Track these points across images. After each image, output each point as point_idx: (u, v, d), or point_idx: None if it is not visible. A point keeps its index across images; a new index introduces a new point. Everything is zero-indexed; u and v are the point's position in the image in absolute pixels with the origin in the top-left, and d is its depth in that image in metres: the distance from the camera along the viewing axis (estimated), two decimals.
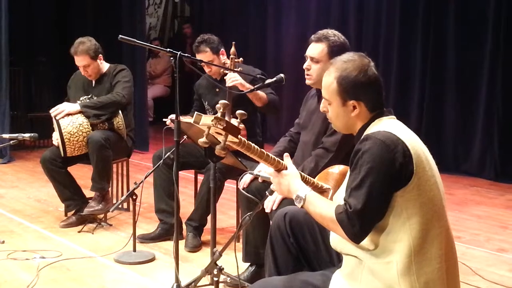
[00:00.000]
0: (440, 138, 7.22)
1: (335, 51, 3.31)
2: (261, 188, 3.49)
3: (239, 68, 4.16)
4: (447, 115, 7.19)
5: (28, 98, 9.04)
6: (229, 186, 4.39)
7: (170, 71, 10.66)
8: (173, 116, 4.00)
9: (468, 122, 7.02)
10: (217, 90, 4.56)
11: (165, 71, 10.89)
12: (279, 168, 2.34)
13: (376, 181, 2.05)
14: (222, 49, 4.53)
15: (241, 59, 4.20)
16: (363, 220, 2.06)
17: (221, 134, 2.17)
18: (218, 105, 2.24)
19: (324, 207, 2.18)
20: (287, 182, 2.31)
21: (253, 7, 9.52)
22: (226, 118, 2.21)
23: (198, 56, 4.47)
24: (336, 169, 2.67)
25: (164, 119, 4.25)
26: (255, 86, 3.92)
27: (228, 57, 4.35)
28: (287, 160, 2.37)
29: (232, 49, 4.16)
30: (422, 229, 2.07)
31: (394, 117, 2.28)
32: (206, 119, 2.19)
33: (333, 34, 3.41)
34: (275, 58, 9.07)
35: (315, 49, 3.39)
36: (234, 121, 2.25)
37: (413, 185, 2.07)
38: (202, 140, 2.21)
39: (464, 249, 4.37)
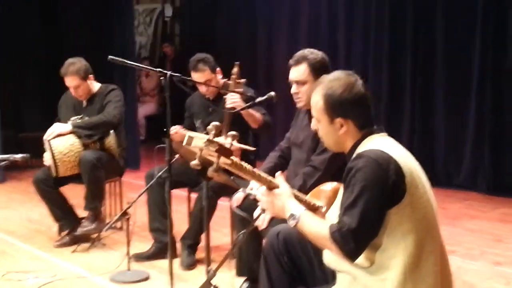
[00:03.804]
0: (432, 153, 7.23)
1: (317, 68, 3.34)
2: (254, 205, 3.49)
3: (241, 89, 4.16)
4: (438, 130, 7.21)
5: (18, 118, 9.02)
6: (223, 203, 4.39)
7: (161, 89, 10.67)
8: (177, 126, 4.04)
9: (458, 136, 7.03)
10: (210, 109, 4.57)
11: (156, 89, 10.90)
12: (272, 187, 2.35)
13: (370, 200, 2.07)
14: (218, 68, 4.55)
15: (244, 80, 4.20)
16: (357, 239, 2.07)
17: (213, 156, 2.18)
18: (210, 127, 2.25)
19: (318, 226, 2.19)
20: (280, 202, 2.31)
21: (243, 24, 9.56)
22: (220, 138, 2.22)
23: (195, 75, 4.46)
24: (329, 186, 2.68)
25: (160, 145, 4.24)
26: (246, 105, 3.93)
27: (224, 76, 4.37)
28: (280, 179, 2.38)
29: (235, 69, 4.15)
30: (417, 245, 2.09)
31: (385, 134, 2.30)
32: (198, 141, 2.20)
33: (309, 52, 3.44)
34: (266, 76, 9.09)
35: (297, 72, 3.42)
36: (227, 141, 2.26)
37: (406, 203, 2.09)
38: (194, 163, 2.22)
39: (459, 263, 4.37)
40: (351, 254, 2.10)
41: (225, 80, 4.42)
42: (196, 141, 2.24)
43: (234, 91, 4.13)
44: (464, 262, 4.43)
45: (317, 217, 2.28)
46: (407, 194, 2.09)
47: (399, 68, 7.44)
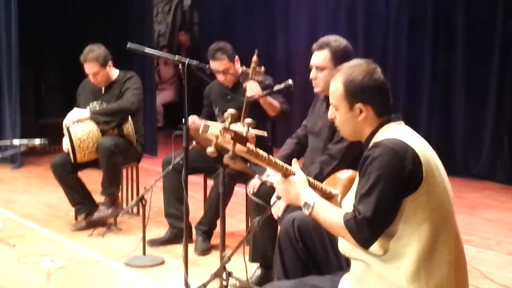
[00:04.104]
0: (450, 142, 7.19)
1: (338, 56, 3.33)
2: (270, 192, 3.50)
3: (260, 78, 4.16)
4: (457, 119, 7.17)
5: (38, 104, 9.09)
6: (239, 190, 4.40)
7: (179, 77, 10.69)
8: (194, 116, 4.04)
9: (478, 125, 6.99)
10: (229, 97, 4.58)
11: (174, 77, 10.93)
12: (287, 174, 2.35)
13: (386, 188, 2.06)
14: (237, 56, 4.55)
15: (263, 68, 4.18)
16: (372, 227, 2.07)
17: (229, 144, 2.18)
18: (226, 114, 2.25)
19: (333, 214, 2.19)
20: (295, 189, 2.31)
21: (261, 12, 9.54)
22: (236, 126, 2.22)
23: (214, 64, 4.47)
24: (344, 174, 2.67)
25: (176, 130, 4.25)
26: (264, 93, 3.93)
27: (242, 65, 4.37)
28: (295, 166, 2.38)
29: (254, 58, 4.14)
30: (432, 234, 2.08)
31: (402, 122, 2.28)
32: (214, 129, 2.21)
33: (334, 39, 3.43)
34: (284, 64, 9.08)
35: (318, 57, 3.41)
36: (243, 129, 2.26)
37: (422, 192, 2.08)
38: (210, 150, 2.22)
39: (475, 252, 4.35)
40: (365, 242, 2.09)
41: (243, 68, 4.41)
42: (212, 129, 2.25)
43: (253, 80, 4.12)
44: (480, 252, 4.41)
45: (332, 205, 2.28)
46: (423, 183, 2.08)
47: (418, 56, 7.39)
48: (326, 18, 8.50)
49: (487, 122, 6.86)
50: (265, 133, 3.89)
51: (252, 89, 4.09)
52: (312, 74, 3.45)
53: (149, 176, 6.07)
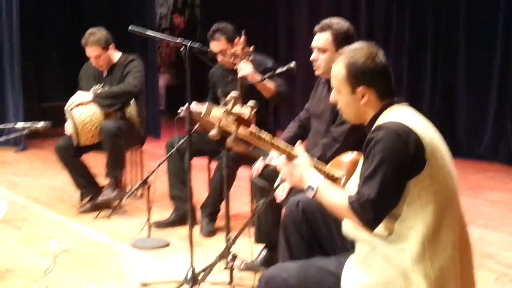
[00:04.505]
0: (453, 123, 7.20)
1: (340, 38, 3.33)
2: (274, 175, 3.50)
3: (250, 57, 4.13)
4: (460, 100, 7.17)
5: (40, 88, 9.09)
6: (242, 172, 4.41)
7: (181, 60, 10.63)
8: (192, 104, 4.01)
9: (480, 106, 6.99)
10: (229, 79, 4.57)
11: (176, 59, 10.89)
12: (291, 157, 2.35)
13: (389, 170, 2.07)
14: (237, 39, 4.51)
15: (252, 47, 4.17)
16: (376, 209, 2.07)
17: (231, 127, 2.19)
18: (228, 98, 2.26)
19: (337, 196, 2.20)
20: (298, 172, 2.32)
21: None
22: (238, 108, 2.22)
23: (212, 44, 4.46)
24: (348, 157, 2.68)
25: (179, 111, 4.26)
26: (264, 77, 3.91)
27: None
28: (299, 148, 2.39)
29: (243, 37, 4.12)
30: (436, 216, 2.09)
31: (406, 104, 2.29)
32: (217, 112, 2.21)
33: (336, 22, 3.42)
34: (286, 46, 9.06)
35: (320, 39, 3.41)
36: (245, 111, 2.27)
37: (426, 174, 2.08)
38: (212, 133, 2.23)
39: (479, 234, 4.36)
40: (369, 224, 2.10)
41: (234, 49, 4.39)
42: (214, 112, 2.25)
43: (243, 60, 4.08)
44: (484, 233, 4.43)
45: (336, 187, 2.29)
46: (427, 166, 2.09)
47: (421, 37, 7.38)
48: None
49: (490, 103, 6.86)
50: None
51: (244, 69, 4.06)
52: (313, 56, 3.45)
53: (153, 159, 6.07)
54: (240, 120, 2.20)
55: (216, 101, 4.65)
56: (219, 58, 4.54)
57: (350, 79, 2.26)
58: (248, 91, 4.09)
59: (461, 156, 6.67)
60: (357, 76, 2.25)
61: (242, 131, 2.22)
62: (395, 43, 7.60)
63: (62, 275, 3.68)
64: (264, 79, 3.92)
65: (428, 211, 2.09)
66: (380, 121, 2.20)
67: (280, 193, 3.31)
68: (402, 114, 2.20)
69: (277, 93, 4.21)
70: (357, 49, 2.29)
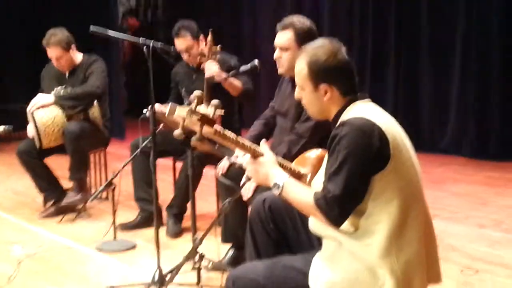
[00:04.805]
0: (416, 118, 7.27)
1: (302, 36, 3.33)
2: (239, 173, 3.49)
3: (217, 56, 4.12)
4: (422, 95, 7.25)
5: (1, 90, 8.92)
6: (208, 172, 4.39)
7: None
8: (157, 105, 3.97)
9: (442, 100, 7.07)
10: (194, 77, 4.55)
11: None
12: (256, 155, 2.35)
13: (354, 166, 2.07)
14: (202, 36, 4.50)
15: (219, 46, 4.15)
16: (342, 205, 2.08)
17: (196, 126, 2.17)
18: (192, 96, 2.24)
19: (303, 193, 2.20)
20: (264, 169, 2.31)
21: None
22: (202, 107, 2.21)
23: (177, 41, 4.44)
24: (313, 154, 2.68)
25: (144, 110, 4.21)
26: (229, 74, 3.90)
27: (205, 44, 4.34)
28: (264, 147, 2.38)
29: (209, 37, 4.10)
30: (401, 211, 2.10)
31: (369, 100, 2.30)
32: (181, 111, 2.20)
33: (298, 20, 3.42)
34: (251, 45, 9.05)
35: (282, 38, 3.41)
36: (209, 110, 2.25)
37: (390, 169, 2.09)
38: (177, 133, 2.22)
39: (444, 227, 4.41)
40: (336, 221, 2.11)
41: (201, 48, 4.38)
42: (178, 111, 2.23)
43: (210, 59, 4.06)
44: (448, 226, 4.48)
45: (301, 184, 2.29)
46: (391, 160, 2.10)
47: (383, 33, 7.43)
48: None
49: (452, 97, 6.95)
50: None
51: (210, 69, 4.05)
52: (276, 54, 3.45)
53: (118, 160, 6.01)
54: (204, 119, 2.18)
55: (179, 100, 4.62)
56: (184, 56, 4.51)
57: (312, 77, 2.26)
58: (214, 90, 4.08)
59: (424, 150, 6.74)
60: (319, 73, 2.25)
61: (207, 130, 2.20)
62: (358, 39, 7.63)
63: (26, 281, 3.62)
64: (229, 76, 3.90)
65: (393, 206, 2.10)
66: (344, 117, 2.21)
67: (246, 192, 3.30)
68: (366, 110, 2.21)
69: (244, 91, 4.20)
70: (319, 47, 2.29)
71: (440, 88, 7.08)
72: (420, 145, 6.54)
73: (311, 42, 2.38)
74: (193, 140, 2.20)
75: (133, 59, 10.56)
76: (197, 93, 2.28)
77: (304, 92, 2.32)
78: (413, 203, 2.15)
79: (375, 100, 2.34)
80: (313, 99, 2.31)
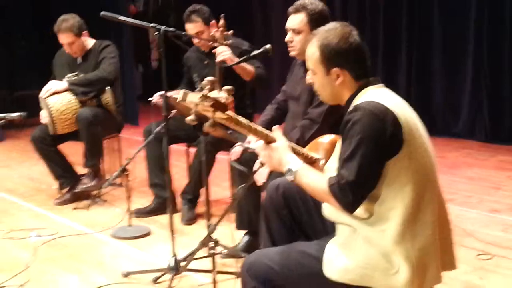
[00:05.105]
0: (430, 102, 7.23)
1: (314, 19, 3.32)
2: (253, 158, 3.49)
3: (229, 41, 4.10)
4: (436, 79, 7.19)
5: (12, 76, 8.96)
6: (222, 157, 4.40)
7: (156, 45, 10.56)
8: (160, 93, 3.97)
9: (457, 84, 7.02)
10: (206, 62, 4.53)
11: (151, 44, 10.81)
12: (269, 141, 2.34)
13: (367, 152, 2.06)
14: (213, 21, 4.48)
15: (231, 31, 4.14)
16: (356, 191, 2.07)
17: (208, 111, 2.17)
18: (204, 82, 2.23)
19: (316, 180, 2.19)
20: (277, 155, 2.30)
21: None
22: (214, 93, 2.20)
23: (188, 26, 4.42)
24: (326, 139, 2.66)
25: (149, 99, 4.23)
26: (241, 59, 3.89)
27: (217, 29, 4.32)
28: (277, 132, 2.37)
29: (221, 21, 4.08)
30: (415, 196, 2.09)
31: (382, 85, 2.28)
32: (193, 97, 2.19)
33: (310, 2, 3.41)
34: (263, 29, 9.01)
35: (294, 20, 3.39)
36: (222, 96, 2.24)
37: (404, 153, 2.08)
38: (189, 118, 2.21)
39: (457, 211, 4.40)
40: (349, 207, 2.10)
41: (213, 33, 4.36)
42: (191, 97, 2.22)
43: (222, 44, 4.06)
44: (462, 210, 4.46)
45: (315, 170, 2.28)
46: (404, 145, 2.08)
47: (396, 17, 7.37)
48: None
49: (466, 81, 6.90)
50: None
51: (222, 53, 4.04)
52: (288, 37, 3.44)
53: (131, 146, 6.05)
54: (217, 105, 2.17)
55: (191, 86, 4.62)
56: (196, 41, 4.50)
57: (323, 61, 2.25)
58: (226, 75, 4.07)
59: (438, 134, 6.73)
60: (331, 57, 2.23)
61: (219, 115, 2.19)
62: (370, 24, 7.58)
63: (43, 268, 3.65)
64: (242, 61, 3.89)
65: (407, 192, 2.09)
66: (357, 101, 2.20)
67: (260, 177, 3.30)
68: (379, 94, 2.19)
69: (257, 75, 4.19)
70: (331, 30, 2.27)
71: (453, 72, 7.02)
72: (434, 130, 6.55)
73: (323, 25, 2.36)
74: (206, 126, 2.19)
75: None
76: (209, 78, 2.28)
77: (316, 77, 2.31)
78: (427, 188, 2.14)
79: (388, 83, 2.32)
80: (325, 84, 2.29)
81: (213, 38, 4.10)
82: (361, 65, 2.27)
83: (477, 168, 5.72)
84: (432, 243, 2.12)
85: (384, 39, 7.49)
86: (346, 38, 2.24)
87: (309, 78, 2.36)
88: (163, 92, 3.47)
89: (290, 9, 3.43)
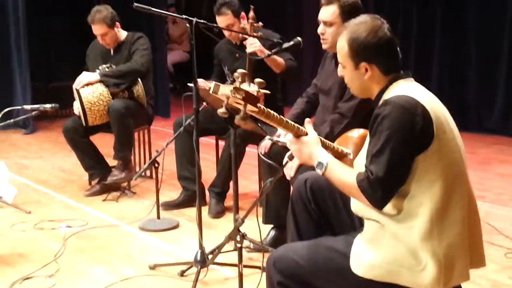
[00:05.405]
0: (463, 97, 7.14)
1: (346, 11, 3.28)
2: (282, 152, 3.48)
3: (259, 33, 4.10)
4: (469, 73, 7.11)
5: (48, 68, 9.05)
6: (251, 151, 4.39)
7: (188, 36, 10.58)
8: (200, 80, 3.97)
9: (490, 79, 6.93)
10: (237, 55, 4.53)
11: (183, 36, 10.85)
12: (299, 134, 2.33)
13: (397, 147, 2.04)
14: (243, 13, 4.47)
15: (260, 23, 4.13)
16: (385, 187, 2.05)
17: (240, 104, 2.16)
18: (236, 74, 2.23)
19: (346, 175, 2.17)
20: (307, 149, 2.29)
21: None
22: (246, 85, 2.19)
23: (219, 19, 4.43)
24: (356, 133, 2.64)
25: (188, 83, 4.22)
26: (272, 51, 3.87)
27: (247, 21, 4.32)
28: (308, 126, 2.36)
29: (251, 13, 4.08)
30: (445, 193, 2.06)
31: (412, 79, 2.25)
32: (225, 89, 2.18)
33: None
34: (294, 21, 8.97)
35: (326, 12, 3.36)
36: (253, 89, 2.23)
37: (434, 149, 2.05)
38: (221, 111, 2.21)
39: (488, 208, 4.34)
40: (379, 203, 2.08)
41: (243, 25, 4.36)
42: (222, 89, 2.22)
43: (252, 36, 4.06)
44: (493, 207, 4.41)
45: (344, 165, 2.26)
46: (435, 140, 2.06)
47: (430, 11, 7.29)
48: None
49: (500, 76, 6.80)
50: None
51: (252, 45, 4.03)
52: (320, 29, 3.41)
53: (161, 138, 6.07)
54: (248, 98, 2.16)
55: (222, 78, 4.62)
56: (226, 33, 4.50)
57: (352, 55, 2.23)
58: (257, 67, 4.06)
59: (470, 130, 6.65)
60: (359, 51, 2.21)
61: (250, 108, 2.18)
62: (403, 18, 7.49)
63: (72, 259, 3.69)
64: (273, 53, 3.88)
65: (436, 188, 2.06)
66: (387, 95, 2.18)
67: (289, 171, 3.28)
68: (409, 88, 2.17)
69: (288, 68, 4.19)
70: (361, 23, 2.24)
71: (487, 68, 6.93)
72: (466, 125, 6.47)
73: (355, 17, 2.33)
74: (237, 119, 2.18)
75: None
76: (240, 71, 2.27)
77: (345, 70, 2.29)
78: (457, 184, 2.11)
79: (420, 77, 2.29)
80: (354, 78, 2.27)
81: (243, 30, 4.10)
82: (390, 60, 2.24)
83: (509, 165, 5.63)
84: (460, 241, 2.09)
85: (417, 31, 7.39)
86: (375, 32, 2.21)
87: (339, 71, 2.34)
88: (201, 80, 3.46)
89: (323, 0, 3.40)
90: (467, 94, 7.15)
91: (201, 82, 4.07)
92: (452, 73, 7.22)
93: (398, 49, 2.27)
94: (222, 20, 4.41)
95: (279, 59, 4.12)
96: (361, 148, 2.35)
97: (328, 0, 3.37)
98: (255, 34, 4.07)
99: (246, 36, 4.13)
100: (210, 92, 2.25)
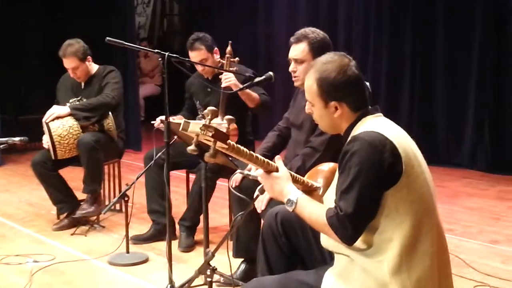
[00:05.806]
0: (432, 131, 7.23)
1: (316, 47, 3.33)
2: (253, 186, 3.47)
3: (235, 68, 4.14)
4: (438, 108, 7.20)
5: (18, 101, 8.98)
6: (221, 184, 4.38)
7: (160, 70, 10.62)
8: (162, 117, 3.98)
9: (459, 114, 7.03)
10: (209, 89, 4.55)
11: (155, 70, 10.88)
12: (270, 170, 2.33)
13: (366, 183, 2.05)
14: (216, 48, 4.51)
15: (237, 58, 4.18)
16: (354, 223, 2.06)
17: (209, 141, 2.17)
18: (206, 111, 2.24)
19: (316, 211, 2.18)
20: (278, 185, 2.30)
21: (243, 4, 9.51)
22: (218, 120, 2.20)
23: (192, 54, 4.45)
24: (326, 167, 2.66)
25: (152, 122, 4.23)
26: (245, 85, 3.91)
27: (221, 56, 4.35)
28: (278, 161, 2.37)
29: (228, 48, 4.14)
30: (414, 227, 2.08)
31: (380, 114, 2.28)
32: (194, 127, 2.19)
33: (311, 31, 3.43)
34: (266, 56, 9.05)
35: (296, 50, 3.41)
36: (223, 125, 2.24)
37: (402, 184, 2.07)
38: (190, 148, 2.21)
39: (457, 241, 4.38)
40: (348, 239, 2.09)
41: (219, 59, 4.40)
42: (192, 126, 2.23)
43: (228, 70, 4.10)
44: (462, 241, 4.44)
45: (314, 201, 2.27)
46: (403, 175, 2.08)
47: (399, 47, 7.40)
48: (306, 8, 8.47)
49: (468, 111, 6.90)
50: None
51: (227, 80, 4.07)
52: (292, 67, 3.45)
53: (132, 172, 6.04)
54: (218, 135, 2.17)
55: (193, 112, 4.64)
56: (199, 68, 4.53)
57: (321, 94, 2.25)
58: (229, 101, 4.08)
59: (439, 163, 6.72)
60: (328, 91, 2.24)
61: (220, 144, 2.19)
62: (374, 51, 7.59)
63: None
64: (246, 87, 3.91)
65: (405, 222, 2.07)
66: (355, 132, 2.19)
67: (260, 204, 3.28)
68: (377, 124, 2.19)
69: (262, 102, 4.23)
70: (328, 63, 2.27)
71: (456, 102, 7.03)
72: (435, 159, 6.55)
73: (325, 53, 2.36)
74: (207, 156, 2.19)
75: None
76: (210, 108, 2.28)
77: (314, 108, 2.31)
78: (426, 218, 2.13)
79: (390, 111, 2.31)
80: (323, 115, 2.30)
81: (219, 64, 4.13)
82: (359, 97, 2.27)
83: (477, 198, 5.70)
84: (430, 274, 2.10)
85: (387, 67, 7.47)
86: (344, 71, 2.23)
87: (307, 108, 2.36)
88: (163, 117, 3.47)
89: (292, 39, 3.44)
90: (436, 129, 7.24)
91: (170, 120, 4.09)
92: (421, 109, 7.30)
93: (368, 84, 2.30)
94: (196, 55, 4.44)
95: (254, 94, 4.16)
96: (331, 182, 2.36)
97: (297, 38, 3.42)
98: (230, 68, 4.11)
99: (220, 71, 4.17)
100: (180, 129, 2.25)
